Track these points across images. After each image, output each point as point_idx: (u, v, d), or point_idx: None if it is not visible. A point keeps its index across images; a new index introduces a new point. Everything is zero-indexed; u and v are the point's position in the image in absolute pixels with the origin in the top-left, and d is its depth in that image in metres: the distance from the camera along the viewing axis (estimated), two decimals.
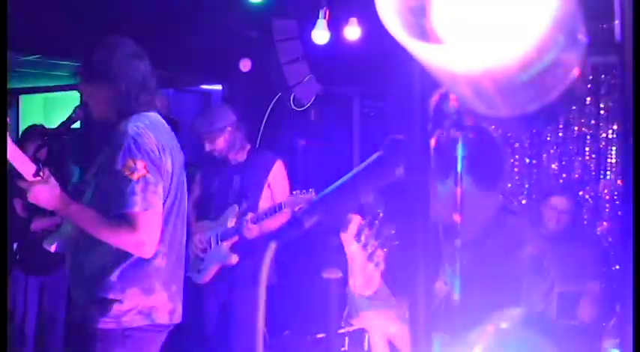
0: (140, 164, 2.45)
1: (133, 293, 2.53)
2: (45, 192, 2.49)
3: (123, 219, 2.45)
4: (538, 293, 1.72)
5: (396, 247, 1.49)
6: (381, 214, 1.47)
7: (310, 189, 3.99)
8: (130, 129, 2.49)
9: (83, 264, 2.59)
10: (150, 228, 2.47)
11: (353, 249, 1.49)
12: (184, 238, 2.76)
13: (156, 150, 2.51)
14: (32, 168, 2.51)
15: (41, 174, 2.50)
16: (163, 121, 2.69)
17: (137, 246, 2.49)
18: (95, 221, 2.50)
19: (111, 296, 2.52)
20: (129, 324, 2.52)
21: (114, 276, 2.52)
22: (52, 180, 2.51)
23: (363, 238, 1.48)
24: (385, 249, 1.50)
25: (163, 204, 2.55)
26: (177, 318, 2.69)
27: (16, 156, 2.50)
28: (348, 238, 1.46)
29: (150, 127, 2.55)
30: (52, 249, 2.70)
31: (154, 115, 2.64)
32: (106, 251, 2.53)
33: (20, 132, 4.94)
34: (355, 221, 1.45)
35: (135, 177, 2.43)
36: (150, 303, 2.56)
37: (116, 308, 2.51)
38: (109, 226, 2.48)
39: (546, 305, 1.74)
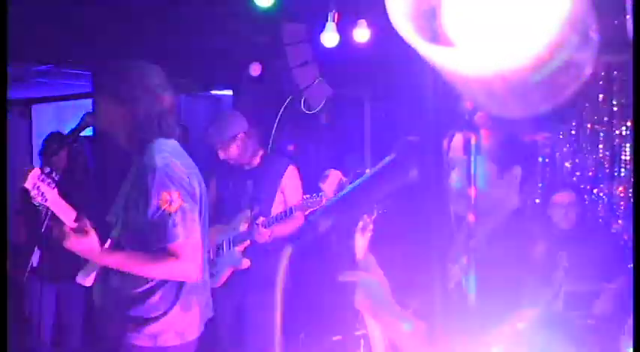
0: (175, 195, 2.47)
1: (174, 312, 2.57)
2: (84, 245, 2.51)
3: (166, 251, 2.48)
4: (548, 293, 1.72)
5: (408, 248, 1.50)
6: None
7: (320, 193, 3.99)
8: (158, 161, 2.49)
9: (119, 289, 2.61)
10: (194, 254, 2.51)
11: None
12: (207, 248, 2.81)
13: (185, 177, 2.53)
14: (73, 214, 2.56)
15: (82, 220, 2.54)
16: (179, 146, 2.71)
17: (185, 274, 2.53)
18: (137, 262, 2.52)
19: (151, 315, 2.55)
20: (163, 343, 2.56)
21: (155, 297, 2.56)
22: (93, 234, 2.52)
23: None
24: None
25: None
26: (202, 327, 2.73)
27: (57, 204, 2.57)
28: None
29: (174, 155, 2.57)
30: (87, 283, 2.72)
31: (172, 142, 2.64)
32: (144, 276, 2.55)
33: (38, 142, 4.97)
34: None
35: (173, 209, 2.46)
36: (186, 320, 2.60)
37: (154, 327, 2.55)
38: (153, 262, 2.50)
39: (555, 305, 1.74)
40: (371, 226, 1.59)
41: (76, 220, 2.55)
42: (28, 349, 4.68)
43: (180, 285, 2.58)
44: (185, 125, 5.69)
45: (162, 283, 2.56)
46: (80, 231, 2.51)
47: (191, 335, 2.64)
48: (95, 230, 2.59)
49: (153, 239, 2.49)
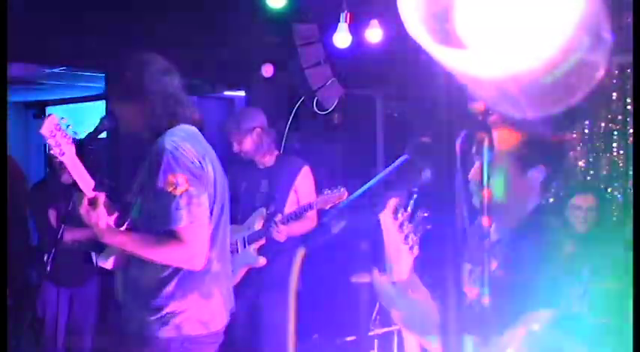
0: (181, 178, 2.45)
1: (193, 299, 2.53)
2: (92, 218, 2.47)
3: (170, 235, 2.46)
4: (573, 295, 1.70)
5: (428, 248, 1.50)
6: (415, 195, 1.48)
7: (341, 188, 3.99)
8: (167, 144, 2.49)
9: (138, 278, 2.59)
10: (198, 240, 2.48)
11: (390, 227, 1.50)
12: (229, 240, 2.78)
13: (196, 161, 2.51)
14: (91, 183, 2.49)
15: (98, 194, 2.48)
16: (198, 132, 2.68)
17: (187, 260, 2.50)
18: (142, 244, 2.51)
19: (171, 304, 2.52)
20: (188, 332, 2.52)
21: (172, 286, 2.52)
22: (102, 210, 2.47)
23: (400, 216, 1.49)
24: (419, 234, 1.51)
25: (211, 210, 2.56)
26: (226, 319, 2.70)
27: (74, 165, 2.48)
28: (385, 216, 1.47)
29: (186, 139, 2.54)
30: (109, 266, 2.67)
31: (188, 127, 2.63)
32: (160, 264, 2.52)
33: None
34: (393, 200, 1.46)
35: (178, 192, 2.43)
36: (209, 309, 2.58)
37: (177, 316, 2.52)
38: (157, 245, 2.49)
39: (580, 308, 1.72)
40: (415, 238, 1.53)
41: (94, 189, 2.48)
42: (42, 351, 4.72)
43: (197, 273, 2.53)
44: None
45: (177, 270, 2.52)
46: (92, 203, 2.47)
47: (215, 325, 2.61)
48: (115, 210, 2.57)
49: (159, 222, 2.47)
